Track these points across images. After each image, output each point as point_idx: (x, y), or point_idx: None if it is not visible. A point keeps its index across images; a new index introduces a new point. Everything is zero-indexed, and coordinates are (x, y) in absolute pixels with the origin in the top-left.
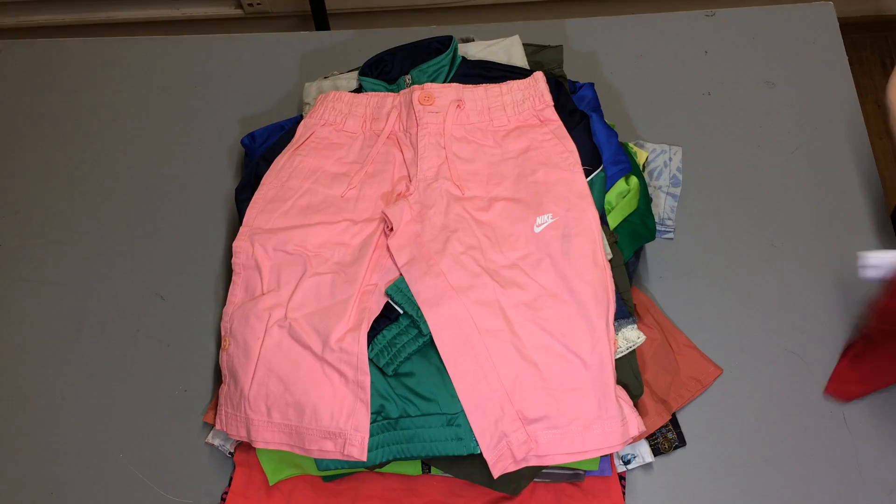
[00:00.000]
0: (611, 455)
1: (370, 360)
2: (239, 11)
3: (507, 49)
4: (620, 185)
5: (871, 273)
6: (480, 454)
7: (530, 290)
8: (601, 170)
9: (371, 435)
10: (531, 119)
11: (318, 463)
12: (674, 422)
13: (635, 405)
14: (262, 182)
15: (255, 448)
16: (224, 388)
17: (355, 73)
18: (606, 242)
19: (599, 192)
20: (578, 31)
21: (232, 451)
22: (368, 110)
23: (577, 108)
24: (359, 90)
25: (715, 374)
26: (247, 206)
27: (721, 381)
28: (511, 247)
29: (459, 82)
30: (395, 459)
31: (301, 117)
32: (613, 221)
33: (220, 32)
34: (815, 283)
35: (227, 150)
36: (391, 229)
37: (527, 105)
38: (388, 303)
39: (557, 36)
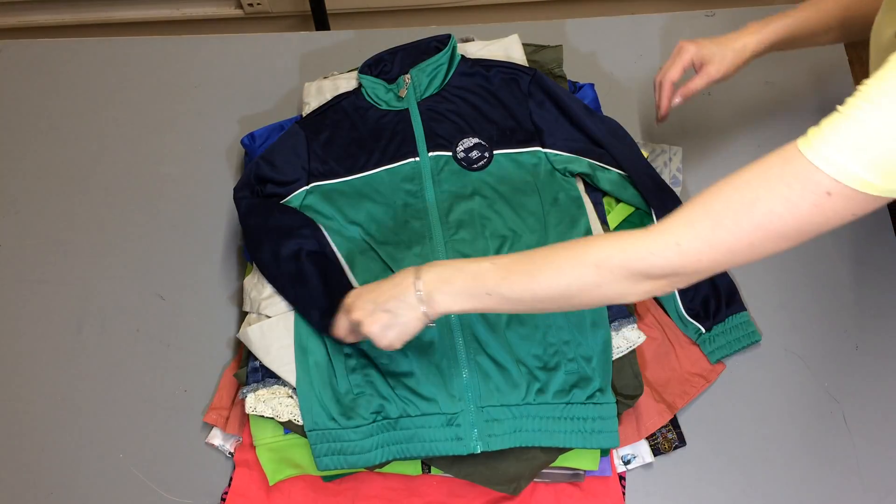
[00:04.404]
0: (611, 455)
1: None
2: (239, 11)
3: (507, 48)
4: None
5: None
6: (480, 454)
7: None
8: (600, 168)
9: (371, 435)
10: None
11: (318, 463)
12: (674, 422)
13: (635, 405)
14: None
15: (255, 448)
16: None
17: (355, 73)
18: None
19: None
20: (578, 31)
21: (232, 451)
22: None
23: None
24: (358, 89)
25: (719, 369)
26: (245, 203)
27: (721, 381)
28: None
29: (459, 81)
30: (395, 459)
31: (300, 117)
32: (613, 221)
33: (220, 32)
34: (815, 283)
35: (227, 150)
36: None
37: None
38: None
39: (557, 36)
